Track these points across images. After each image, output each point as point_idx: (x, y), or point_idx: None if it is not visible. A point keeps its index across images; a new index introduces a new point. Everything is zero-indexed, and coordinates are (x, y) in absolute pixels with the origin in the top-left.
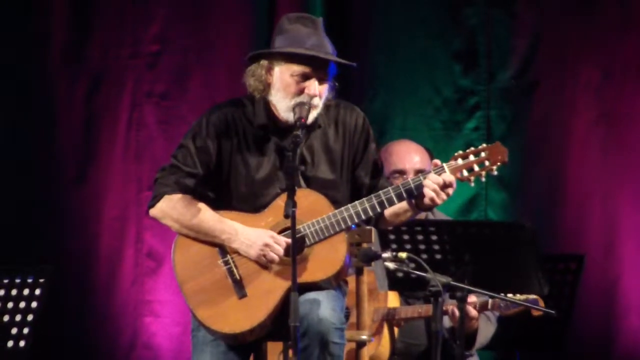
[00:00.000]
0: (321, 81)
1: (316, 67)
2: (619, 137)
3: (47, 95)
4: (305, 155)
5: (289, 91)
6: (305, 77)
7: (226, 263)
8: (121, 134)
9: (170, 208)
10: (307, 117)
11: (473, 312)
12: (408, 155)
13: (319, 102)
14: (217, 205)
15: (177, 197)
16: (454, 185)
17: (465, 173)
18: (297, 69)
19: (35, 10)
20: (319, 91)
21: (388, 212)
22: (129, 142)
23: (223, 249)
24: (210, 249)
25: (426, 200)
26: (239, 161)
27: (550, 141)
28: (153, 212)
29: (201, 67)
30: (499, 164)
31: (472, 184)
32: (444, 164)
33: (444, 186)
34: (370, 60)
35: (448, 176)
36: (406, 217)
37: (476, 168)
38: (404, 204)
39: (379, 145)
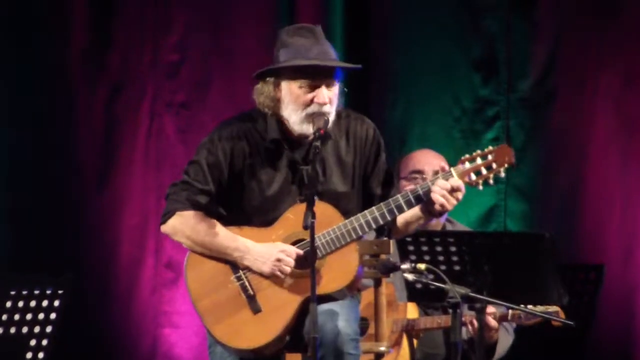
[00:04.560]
0: (329, 87)
1: (322, 76)
2: (639, 145)
3: (67, 103)
4: (317, 167)
5: (299, 103)
6: (312, 87)
7: (239, 279)
8: (141, 143)
9: (182, 225)
10: (325, 128)
11: (493, 322)
12: (427, 158)
13: (330, 109)
14: (229, 220)
15: (189, 213)
16: (463, 189)
17: (473, 177)
18: (304, 80)
19: (55, 18)
20: (328, 98)
21: (400, 221)
22: (148, 150)
23: (235, 265)
24: (223, 265)
25: (437, 207)
26: (250, 176)
27: (569, 150)
28: (164, 228)
29: (221, 76)
30: (506, 165)
31: (481, 188)
32: (452, 168)
33: (452, 190)
34: (390, 69)
35: (455, 181)
36: (419, 224)
37: (484, 171)
38: (415, 212)
39: (399, 154)
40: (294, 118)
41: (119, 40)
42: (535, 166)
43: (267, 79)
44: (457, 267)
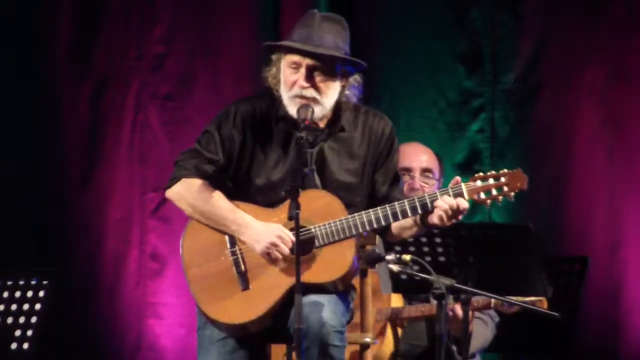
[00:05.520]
0: (315, 72)
1: (305, 57)
2: (623, 140)
3: (52, 97)
4: (327, 156)
5: (287, 83)
6: (297, 68)
7: (233, 254)
8: (126, 136)
9: (186, 191)
10: (310, 118)
11: (459, 311)
12: (415, 154)
13: (313, 94)
14: (234, 195)
15: (195, 181)
16: (466, 211)
17: (482, 195)
18: (290, 59)
19: (41, 11)
20: (309, 82)
21: (395, 225)
22: (133, 144)
23: (232, 239)
24: (220, 237)
25: (435, 220)
26: (260, 154)
27: (554, 143)
28: (169, 193)
29: (206, 69)
30: (517, 190)
31: (488, 207)
32: (462, 184)
33: (457, 211)
34: (376, 62)
35: (463, 202)
36: (412, 232)
37: (494, 192)
38: (411, 220)
39: None
40: (284, 98)
41: (104, 34)
42: (521, 159)
43: (274, 58)
44: (442, 259)
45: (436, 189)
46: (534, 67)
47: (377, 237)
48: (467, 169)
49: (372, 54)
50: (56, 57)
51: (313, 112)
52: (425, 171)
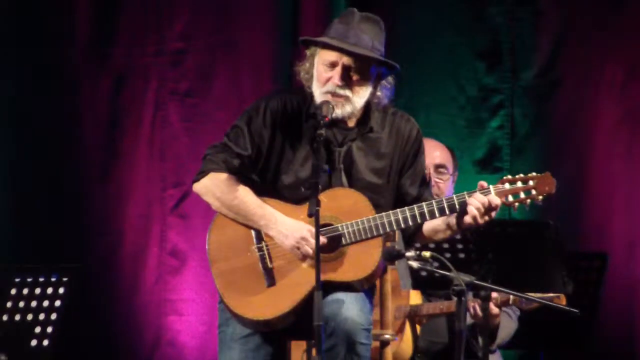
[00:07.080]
0: (350, 71)
1: (342, 55)
2: None
3: (72, 94)
4: (354, 155)
5: (320, 79)
6: (332, 66)
7: (260, 250)
8: (145, 132)
9: (215, 186)
10: (330, 115)
11: (495, 309)
12: (428, 151)
13: (346, 92)
14: (261, 190)
15: (223, 175)
16: (498, 208)
17: (510, 198)
18: (325, 56)
19: (60, 8)
20: (344, 80)
21: (427, 227)
22: (153, 140)
23: (259, 235)
24: (247, 233)
25: (468, 219)
26: (288, 151)
27: (574, 139)
28: (197, 187)
29: (225, 65)
30: (545, 194)
31: (516, 210)
32: (491, 186)
33: (489, 208)
34: (395, 58)
35: (494, 198)
36: (445, 235)
37: (522, 195)
38: (443, 222)
39: None
40: (316, 94)
41: (123, 31)
42: (540, 155)
43: (307, 53)
44: (461, 255)
45: (450, 184)
46: (553, 63)
47: (397, 233)
48: (487, 165)
49: (392, 50)
50: (75, 54)
51: (333, 109)
52: (439, 167)
